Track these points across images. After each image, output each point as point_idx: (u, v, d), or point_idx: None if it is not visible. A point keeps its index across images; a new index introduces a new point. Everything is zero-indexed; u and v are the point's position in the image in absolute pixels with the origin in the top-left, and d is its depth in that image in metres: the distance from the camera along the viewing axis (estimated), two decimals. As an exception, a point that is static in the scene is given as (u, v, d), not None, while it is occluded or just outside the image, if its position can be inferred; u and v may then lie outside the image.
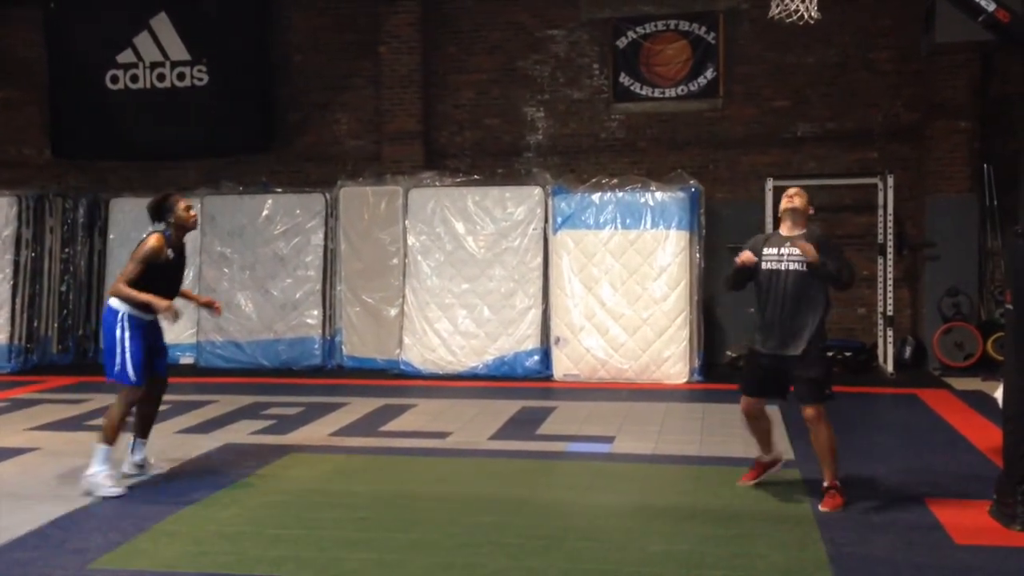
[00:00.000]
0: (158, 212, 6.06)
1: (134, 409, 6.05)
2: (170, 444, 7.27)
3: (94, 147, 12.94)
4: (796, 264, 5.38)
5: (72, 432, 7.78)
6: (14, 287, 11.40)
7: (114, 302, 5.91)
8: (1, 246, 11.43)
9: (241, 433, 7.66)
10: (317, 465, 6.60)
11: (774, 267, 5.44)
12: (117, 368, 5.82)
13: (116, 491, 5.70)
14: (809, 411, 5.37)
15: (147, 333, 5.97)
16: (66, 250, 12.05)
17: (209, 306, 6.54)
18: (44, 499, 5.72)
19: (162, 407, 8.67)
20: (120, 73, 12.70)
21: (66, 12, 12.84)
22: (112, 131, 12.80)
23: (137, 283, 5.81)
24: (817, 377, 5.36)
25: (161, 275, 5.94)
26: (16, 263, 11.43)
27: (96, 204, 12.32)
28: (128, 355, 5.81)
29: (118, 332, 5.82)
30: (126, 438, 6.15)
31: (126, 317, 5.85)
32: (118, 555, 4.71)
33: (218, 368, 11.26)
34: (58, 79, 12.92)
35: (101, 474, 5.71)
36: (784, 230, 5.56)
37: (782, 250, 5.44)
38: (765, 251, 5.52)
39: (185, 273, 6.41)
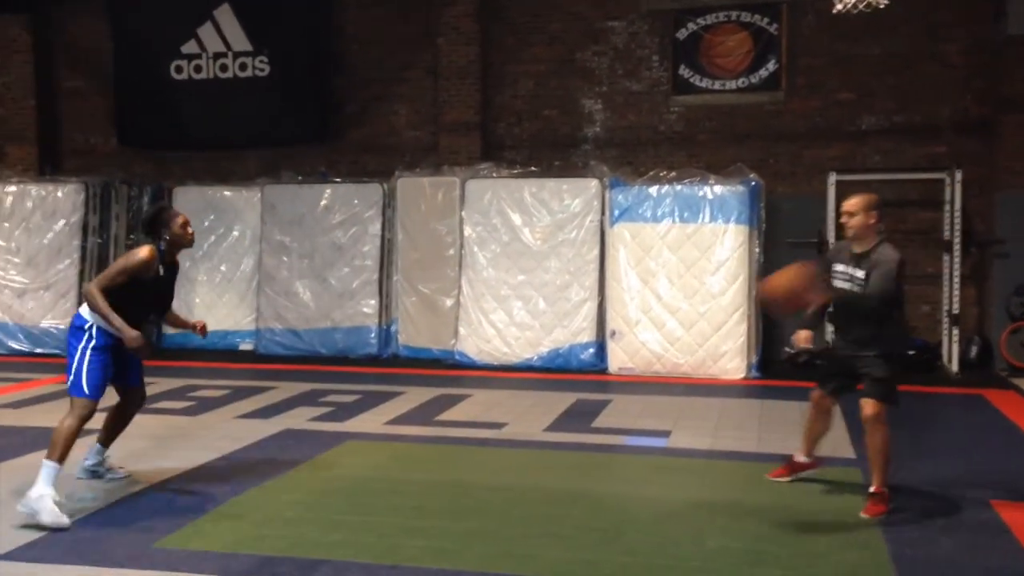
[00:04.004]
0: (152, 226, 5.52)
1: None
2: (231, 429, 7.39)
3: (158, 136, 13.19)
4: (855, 286, 5.32)
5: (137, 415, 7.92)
6: (81, 272, 11.69)
7: (85, 311, 5.35)
8: (68, 232, 11.74)
9: (300, 419, 7.75)
10: (374, 453, 6.66)
11: (839, 284, 5.43)
12: (71, 378, 5.26)
13: (62, 522, 4.89)
14: (868, 408, 5.26)
15: (116, 349, 5.34)
16: (131, 237, 12.31)
17: (195, 328, 5.76)
18: (110, 479, 5.84)
19: (223, 392, 8.93)
20: (184, 63, 12.92)
21: (132, 3, 13.10)
22: (175, 121, 13.03)
23: (118, 294, 5.23)
24: (882, 377, 5.27)
25: (146, 291, 5.39)
26: (83, 249, 11.73)
27: (160, 192, 12.57)
28: (85, 367, 5.24)
29: (82, 342, 5.27)
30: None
31: (95, 330, 5.28)
32: (181, 536, 4.80)
33: (277, 355, 11.42)
34: (124, 69, 13.19)
35: (46, 498, 4.93)
36: (854, 246, 5.43)
37: (848, 268, 5.39)
38: (835, 266, 5.48)
39: (175, 292, 5.85)
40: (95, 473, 5.81)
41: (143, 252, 5.31)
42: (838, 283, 5.44)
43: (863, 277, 5.28)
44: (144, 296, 5.40)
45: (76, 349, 5.27)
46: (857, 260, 5.34)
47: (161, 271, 5.43)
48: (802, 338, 5.60)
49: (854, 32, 10.95)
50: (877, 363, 5.27)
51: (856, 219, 5.33)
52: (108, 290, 5.23)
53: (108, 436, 5.83)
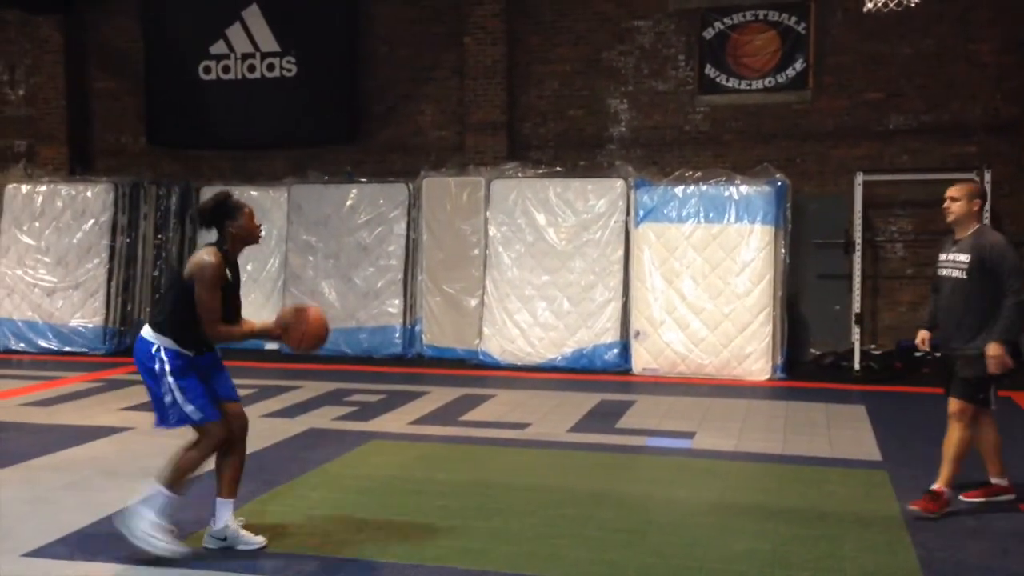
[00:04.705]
0: (218, 215, 4.61)
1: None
2: (256, 428, 7.43)
3: (187, 136, 13.31)
4: (957, 271, 5.29)
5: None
6: (109, 271, 11.83)
7: (148, 333, 4.53)
8: (98, 231, 11.87)
9: (324, 419, 7.80)
10: (398, 452, 6.69)
11: (943, 273, 5.43)
12: (173, 418, 4.48)
13: (180, 550, 4.46)
14: (952, 405, 5.26)
15: (197, 366, 4.57)
16: (159, 236, 12.44)
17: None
18: (138, 477, 5.85)
19: (249, 391, 8.98)
20: (212, 64, 13.03)
21: (162, 4, 13.23)
22: (204, 121, 13.15)
23: (186, 309, 4.45)
24: (968, 377, 5.21)
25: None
26: (112, 248, 11.86)
27: (188, 192, 12.68)
28: (180, 396, 4.45)
29: (156, 368, 4.46)
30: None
31: (164, 352, 4.47)
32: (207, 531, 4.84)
33: (301, 354, 11.44)
34: (154, 69, 13.32)
35: (156, 526, 4.43)
36: (956, 234, 5.41)
37: (949, 256, 5.38)
38: (939, 257, 5.49)
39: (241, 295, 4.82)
40: (223, 539, 4.62)
41: (209, 257, 4.44)
42: (944, 272, 5.40)
43: (967, 261, 5.22)
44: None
45: (156, 382, 4.48)
46: (959, 246, 5.31)
47: (229, 275, 4.56)
48: (922, 339, 5.62)
49: (883, 31, 10.86)
50: (968, 362, 5.19)
51: (959, 204, 5.28)
52: (216, 315, 4.44)
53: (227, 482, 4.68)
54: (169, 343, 4.50)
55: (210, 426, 4.51)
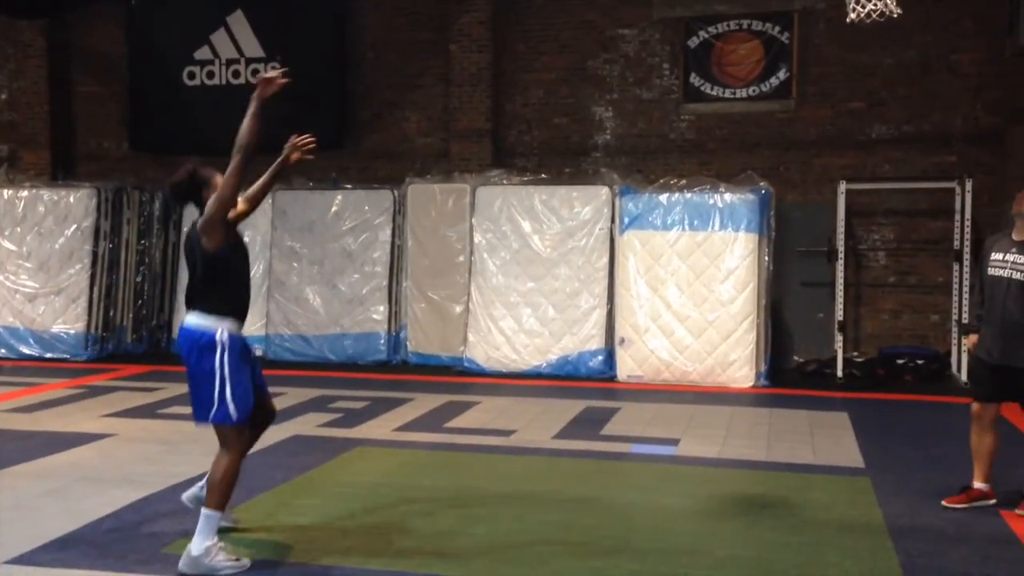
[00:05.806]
0: (193, 187, 4.69)
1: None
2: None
3: (170, 142, 13.22)
4: (1019, 274, 5.21)
5: (147, 419, 7.99)
6: (92, 277, 11.75)
7: (203, 321, 4.48)
8: (80, 237, 11.79)
9: (309, 425, 7.78)
10: (383, 459, 6.68)
11: (998, 273, 5.31)
12: (214, 408, 4.45)
13: (242, 564, 4.42)
14: None
15: (248, 355, 4.66)
16: (142, 242, 12.38)
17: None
18: (121, 483, 5.88)
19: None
20: (197, 69, 12.99)
21: (147, 9, 13.17)
22: (188, 126, 13.07)
23: (222, 277, 4.52)
24: None
25: (243, 259, 4.70)
26: (94, 254, 11.79)
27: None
28: (229, 388, 4.43)
29: (217, 360, 4.42)
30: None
31: (227, 339, 4.44)
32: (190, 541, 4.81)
33: (286, 361, 11.43)
34: (138, 75, 13.27)
35: (215, 549, 4.37)
36: (1015, 233, 5.34)
37: (1007, 256, 5.29)
38: (992, 255, 5.37)
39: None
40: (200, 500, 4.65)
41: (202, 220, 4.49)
42: (1001, 272, 5.28)
43: None
44: (243, 267, 4.71)
45: (213, 370, 4.43)
46: (1021, 247, 5.24)
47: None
48: (973, 343, 5.54)
49: (865, 41, 10.95)
50: None
51: None
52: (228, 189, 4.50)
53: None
54: (229, 324, 4.50)
55: (236, 431, 4.54)
